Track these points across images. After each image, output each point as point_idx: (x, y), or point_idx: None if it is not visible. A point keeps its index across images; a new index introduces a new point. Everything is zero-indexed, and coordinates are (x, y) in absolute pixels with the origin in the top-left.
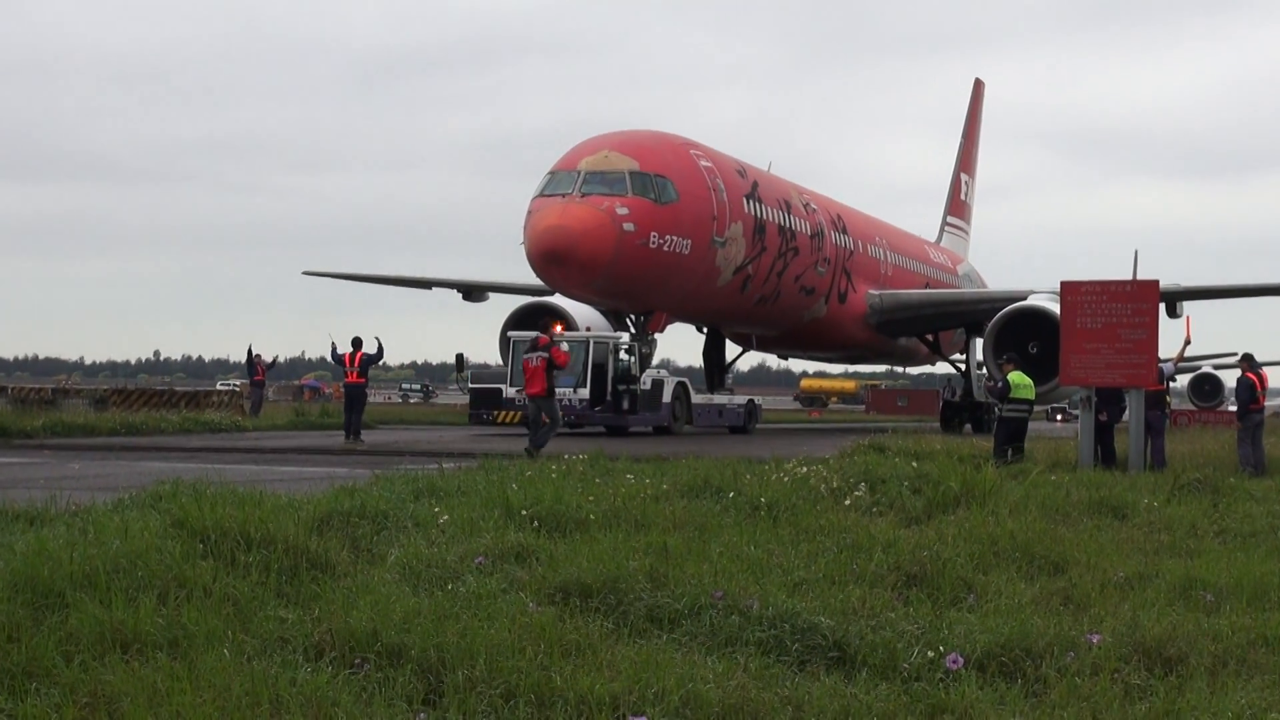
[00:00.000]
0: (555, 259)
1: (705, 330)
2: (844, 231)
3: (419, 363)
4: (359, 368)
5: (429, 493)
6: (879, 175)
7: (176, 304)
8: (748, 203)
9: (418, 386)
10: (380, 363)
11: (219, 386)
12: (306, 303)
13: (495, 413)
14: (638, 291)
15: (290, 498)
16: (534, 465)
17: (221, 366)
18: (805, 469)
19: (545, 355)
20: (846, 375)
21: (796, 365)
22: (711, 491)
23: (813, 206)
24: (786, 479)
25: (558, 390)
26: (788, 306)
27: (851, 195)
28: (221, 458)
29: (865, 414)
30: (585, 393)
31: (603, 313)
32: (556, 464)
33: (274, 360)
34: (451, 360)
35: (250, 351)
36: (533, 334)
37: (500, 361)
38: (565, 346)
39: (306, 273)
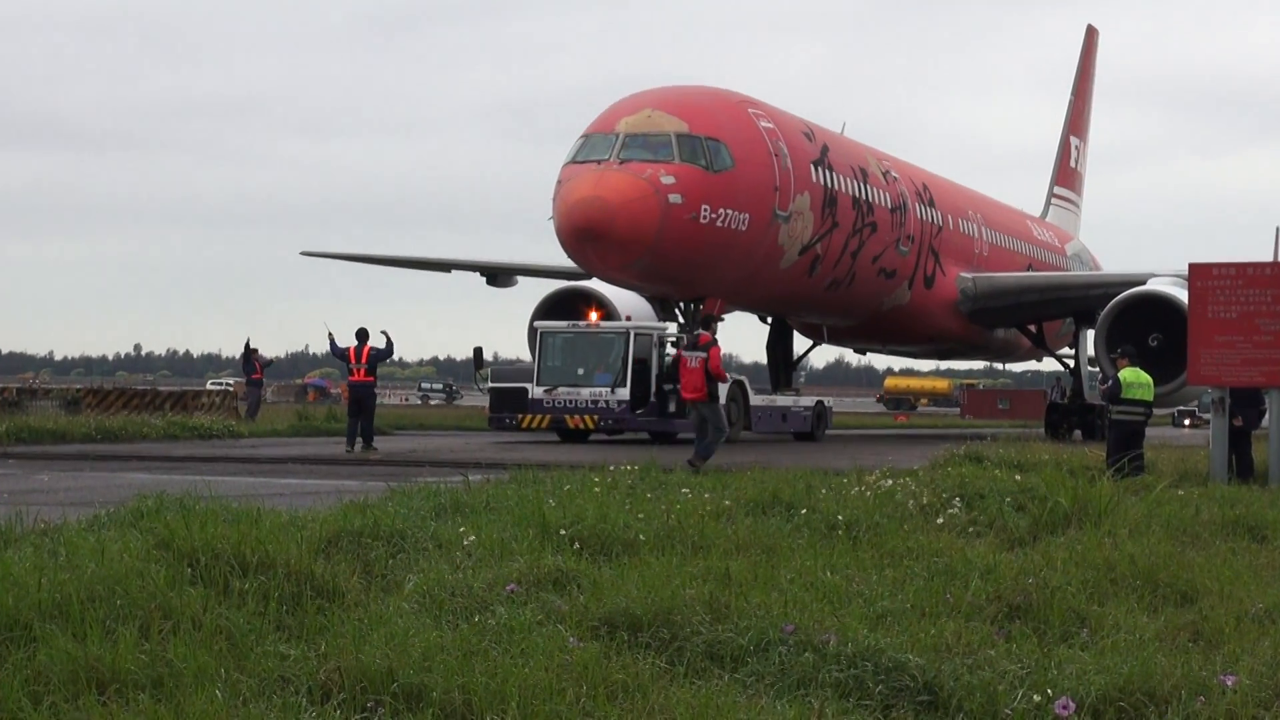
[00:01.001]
0: (589, 236)
1: (769, 321)
2: (931, 204)
3: (441, 359)
4: (367, 364)
5: (452, 509)
6: (973, 140)
7: (160, 291)
8: (816, 170)
9: (439, 386)
10: (389, 359)
11: (209, 386)
12: (310, 289)
13: (520, 417)
14: (686, 274)
15: (292, 515)
16: (575, 478)
17: (212, 362)
18: (890, 482)
19: (705, 355)
20: (938, 374)
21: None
22: (781, 508)
23: (893, 175)
24: (868, 494)
25: (592, 390)
26: (864, 292)
27: (940, 164)
28: (213, 468)
29: (960, 418)
30: (625, 393)
31: (648, 299)
32: (600, 476)
33: (271, 360)
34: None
35: (248, 346)
36: (562, 324)
37: (536, 357)
38: (690, 360)
39: (305, 253)
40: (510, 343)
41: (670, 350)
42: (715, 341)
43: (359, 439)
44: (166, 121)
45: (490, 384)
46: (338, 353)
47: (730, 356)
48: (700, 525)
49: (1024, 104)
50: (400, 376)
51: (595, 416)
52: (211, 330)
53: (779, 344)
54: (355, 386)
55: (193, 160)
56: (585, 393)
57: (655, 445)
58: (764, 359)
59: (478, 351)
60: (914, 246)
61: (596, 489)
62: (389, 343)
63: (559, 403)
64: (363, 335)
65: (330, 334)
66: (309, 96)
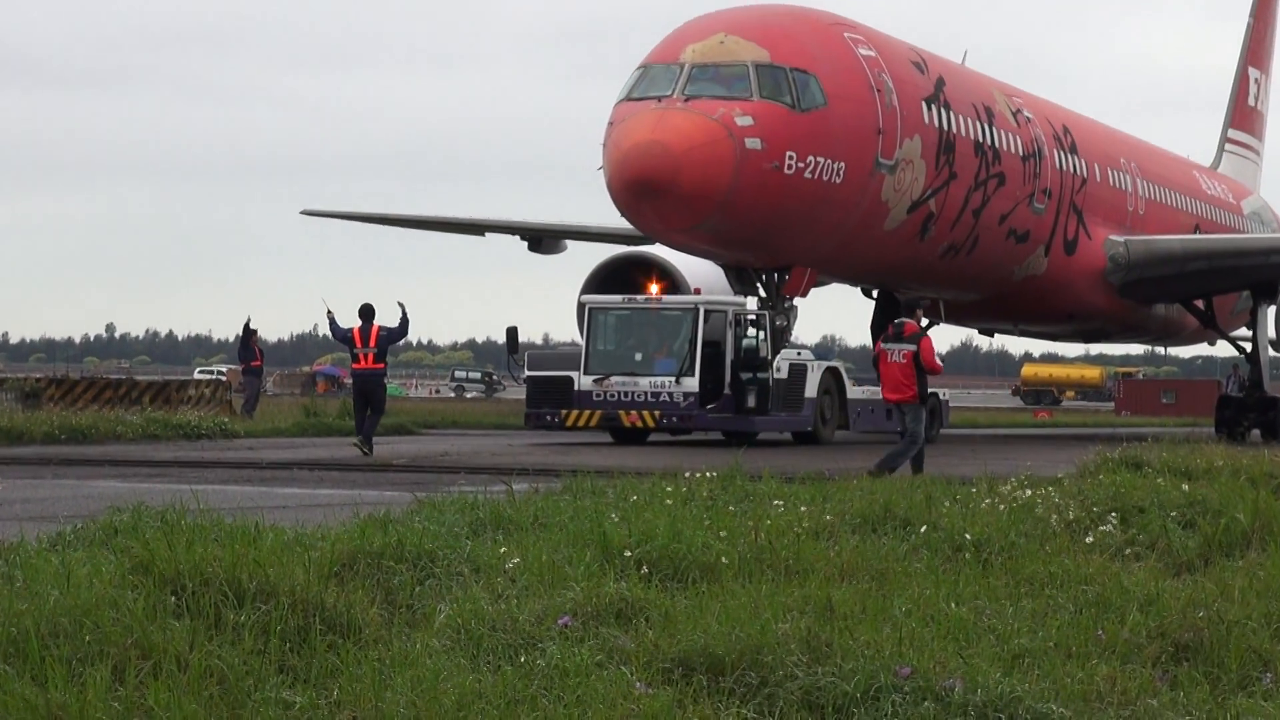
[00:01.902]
0: (646, 190)
1: (874, 295)
2: (1073, 151)
3: (479, 342)
4: (376, 348)
5: (493, 525)
6: (1127, 74)
7: (136, 259)
8: (929, 109)
9: (476, 375)
10: (403, 340)
11: (198, 374)
12: (314, 256)
13: (563, 413)
14: (767, 238)
15: (299, 532)
16: (643, 487)
17: (200, 346)
18: (1029, 492)
19: (913, 348)
20: (1088, 360)
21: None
22: (894, 524)
23: (1027, 115)
24: (1002, 507)
25: (653, 380)
26: (989, 259)
27: (1085, 102)
28: (202, 475)
29: (1115, 414)
30: (693, 384)
31: (724, 268)
32: (672, 485)
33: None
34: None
35: (247, 327)
36: (615, 299)
37: (584, 337)
38: (891, 353)
39: (307, 212)
40: (559, 322)
41: (750, 332)
42: (924, 331)
43: (361, 438)
44: (139, 53)
45: (527, 372)
46: (340, 335)
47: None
48: (796, 545)
49: (1191, 28)
50: (430, 363)
51: (656, 412)
52: (199, 307)
53: (887, 321)
54: (361, 376)
55: (176, 99)
56: (644, 383)
57: (730, 447)
58: (869, 342)
59: (512, 333)
60: (1052, 203)
61: (669, 501)
62: (404, 319)
63: (612, 395)
64: (368, 313)
65: (330, 312)
66: (311, 21)
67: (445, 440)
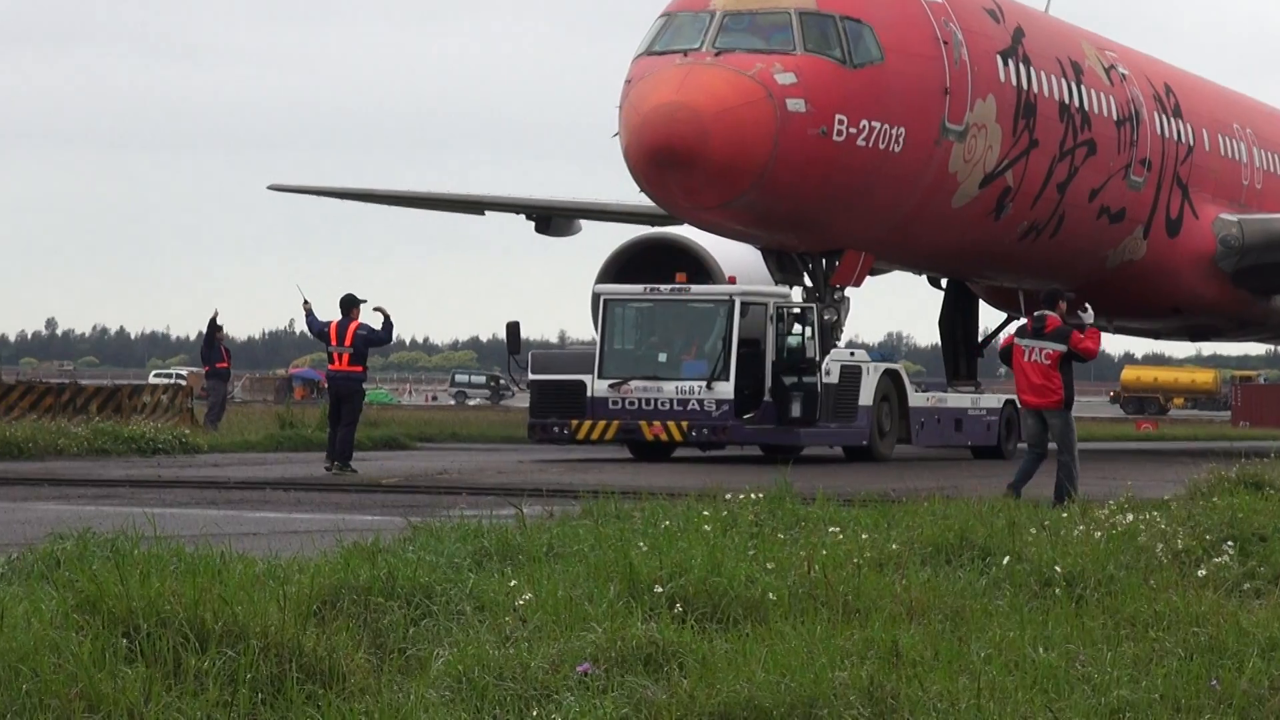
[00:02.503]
0: (670, 160)
1: (944, 285)
2: (1176, 114)
3: (484, 340)
4: (353, 347)
5: (500, 556)
6: (1241, 24)
7: (80, 245)
8: (1005, 65)
9: (481, 379)
10: (385, 343)
11: (153, 379)
12: (291, 241)
13: (573, 424)
14: (813, 216)
15: (272, 564)
16: (676, 511)
17: (156, 345)
18: (1129, 517)
19: (1060, 347)
20: (1199, 361)
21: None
22: (971, 554)
23: (1122, 71)
24: (1098, 534)
25: (680, 385)
26: (1078, 242)
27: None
28: (159, 497)
29: (1231, 425)
30: (726, 389)
31: (762, 252)
32: (711, 508)
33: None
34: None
35: (213, 322)
36: (635, 289)
37: (598, 335)
38: (1028, 351)
39: (275, 188)
40: (574, 316)
41: (798, 329)
42: (1073, 325)
43: (337, 454)
44: (78, 1)
45: (531, 375)
46: (315, 330)
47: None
48: (856, 579)
49: None
50: (426, 365)
51: (684, 423)
52: (154, 299)
53: (957, 318)
54: (334, 379)
55: (119, 57)
56: (669, 389)
57: (772, 464)
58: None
59: (512, 329)
60: (1151, 175)
61: (706, 527)
62: (387, 324)
63: (631, 403)
64: (348, 305)
65: (306, 303)
66: None
67: (444, 456)
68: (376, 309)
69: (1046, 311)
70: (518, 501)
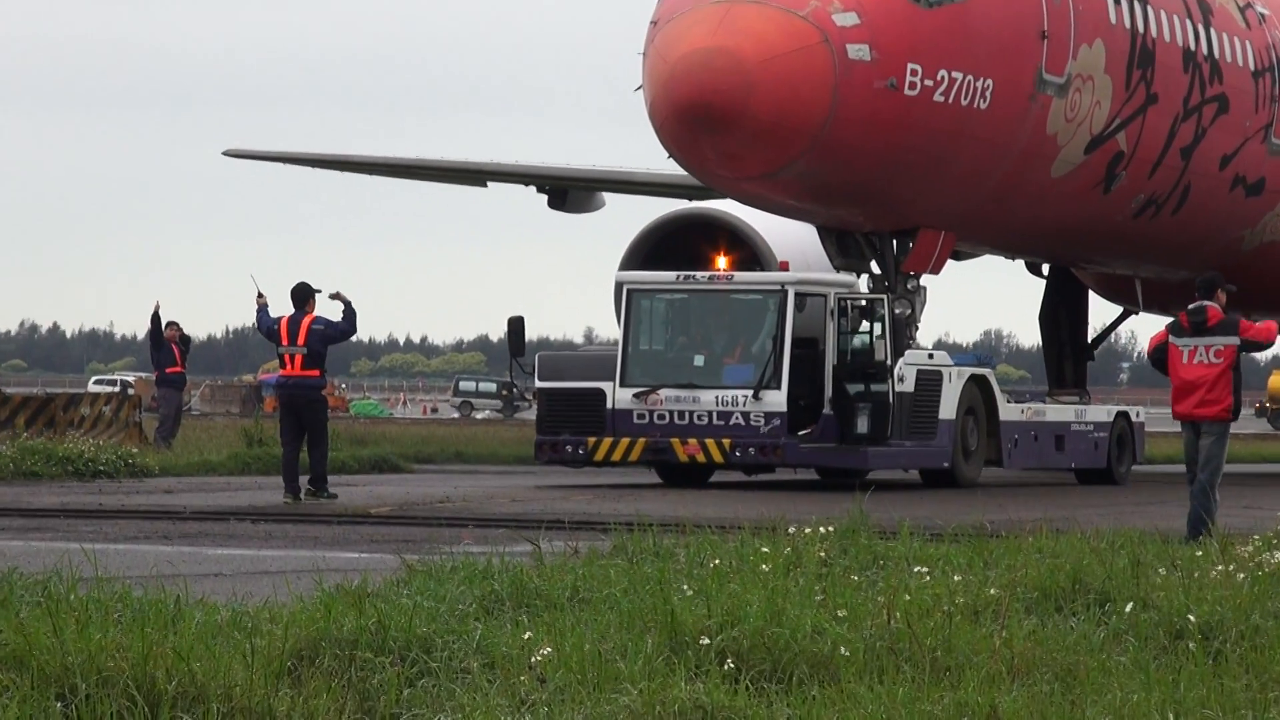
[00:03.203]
0: (705, 119)
1: (1045, 272)
2: None
3: (494, 340)
4: (307, 346)
5: (514, 601)
6: None
7: (4, 224)
8: (1116, 3)
9: (491, 386)
10: (344, 338)
11: (94, 386)
12: (257, 220)
13: (589, 442)
14: (881, 187)
15: (237, 611)
16: (727, 547)
17: (97, 345)
18: (1277, 556)
19: (1232, 341)
20: None
21: None
22: (1087, 600)
23: (1260, 11)
24: (1240, 576)
25: (721, 394)
26: (1207, 219)
27: None
28: (100, 529)
29: None
30: (778, 399)
31: (820, 232)
32: (770, 544)
33: (188, 340)
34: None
35: (158, 315)
36: (666, 276)
37: (621, 333)
38: (1187, 350)
39: (231, 153)
40: (598, 311)
41: (864, 326)
42: (1238, 317)
43: (307, 479)
44: None
45: (538, 383)
46: (265, 328)
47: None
48: (946, 630)
49: None
50: (425, 369)
51: (725, 441)
52: (94, 291)
53: (1061, 312)
54: (288, 387)
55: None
56: (708, 399)
57: (835, 491)
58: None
59: (515, 326)
60: None
61: (765, 566)
62: (349, 313)
63: (661, 417)
64: (301, 296)
65: (260, 296)
66: None
67: (445, 480)
68: (334, 296)
69: (1205, 302)
70: (535, 536)
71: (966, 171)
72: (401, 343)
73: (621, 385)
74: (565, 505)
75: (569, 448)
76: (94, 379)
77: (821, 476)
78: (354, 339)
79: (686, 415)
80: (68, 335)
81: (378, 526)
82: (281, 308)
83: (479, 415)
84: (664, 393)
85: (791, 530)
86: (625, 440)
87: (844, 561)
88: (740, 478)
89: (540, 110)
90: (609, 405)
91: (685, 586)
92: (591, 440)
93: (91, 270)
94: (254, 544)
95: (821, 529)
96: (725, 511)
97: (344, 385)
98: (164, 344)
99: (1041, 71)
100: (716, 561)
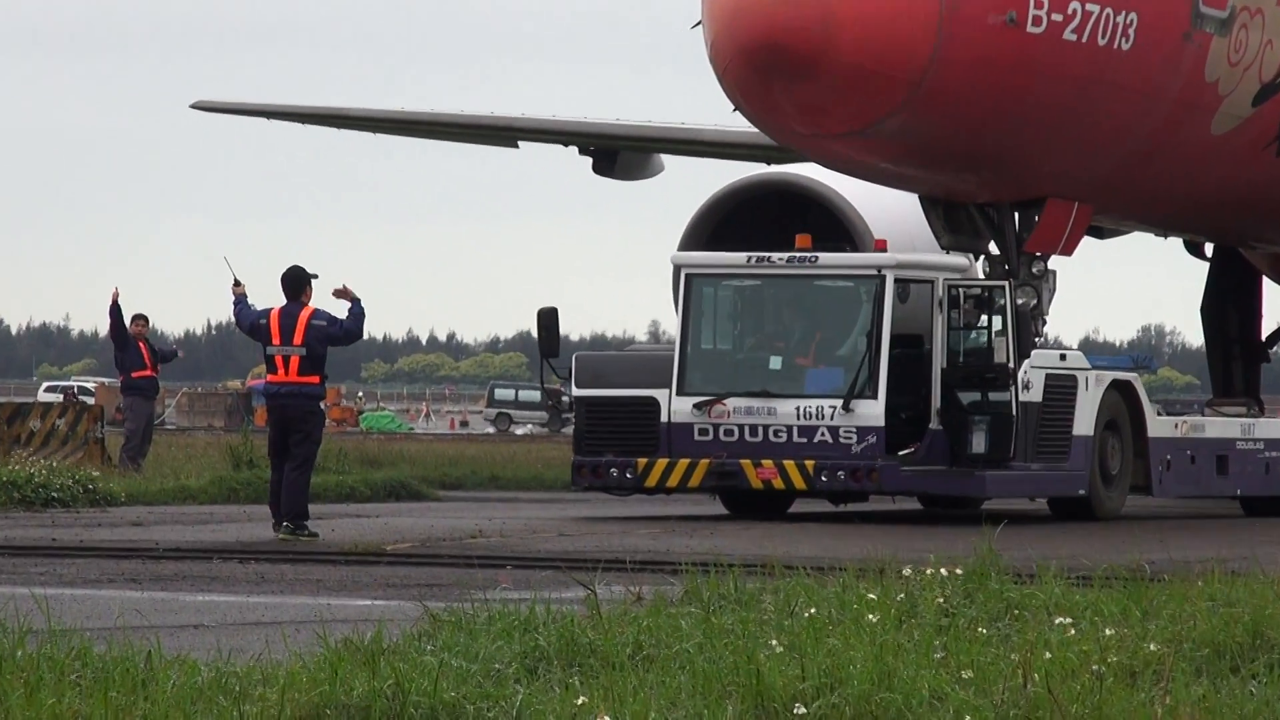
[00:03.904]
0: (777, 63)
1: (1209, 254)
2: None
3: (535, 335)
4: (306, 345)
5: (563, 659)
6: None
7: None
8: None
9: (535, 395)
10: (356, 339)
11: (44, 394)
12: (242, 191)
13: (639, 463)
14: (998, 147)
15: (224, 671)
16: (825, 592)
17: (49, 344)
18: None
19: None
20: None
21: None
22: (1270, 659)
23: None
24: None
25: (802, 404)
26: None
27: None
28: (55, 570)
29: None
30: (874, 411)
31: (923, 203)
32: (876, 588)
33: (174, 349)
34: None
35: (117, 306)
36: (734, 259)
37: (678, 329)
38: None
39: (200, 106)
40: (657, 302)
41: (981, 320)
42: None
43: (284, 509)
44: None
45: (576, 390)
46: (247, 323)
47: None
48: (1096, 696)
49: None
50: (452, 373)
51: (809, 462)
52: (45, 278)
53: (1227, 303)
54: (280, 396)
55: None
56: (786, 410)
57: (951, 524)
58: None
59: (547, 319)
60: None
61: (871, 616)
62: (356, 313)
63: (729, 432)
64: (294, 284)
65: (237, 284)
66: None
67: (478, 510)
68: (340, 294)
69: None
70: (589, 578)
71: (1105, 127)
72: (424, 341)
73: (679, 393)
74: (625, 541)
75: (614, 471)
76: (45, 385)
77: (925, 506)
78: (365, 336)
79: (759, 431)
80: (12, 331)
81: (394, 567)
82: (266, 298)
83: (519, 430)
84: (731, 403)
85: (905, 572)
86: (683, 462)
87: (970, 611)
88: (823, 507)
89: (581, 54)
90: (663, 418)
91: (774, 641)
92: (642, 462)
93: (40, 252)
94: (243, 589)
95: (942, 570)
96: (821, 549)
97: (360, 394)
98: (130, 342)
99: (1198, 4)
100: (812, 610)
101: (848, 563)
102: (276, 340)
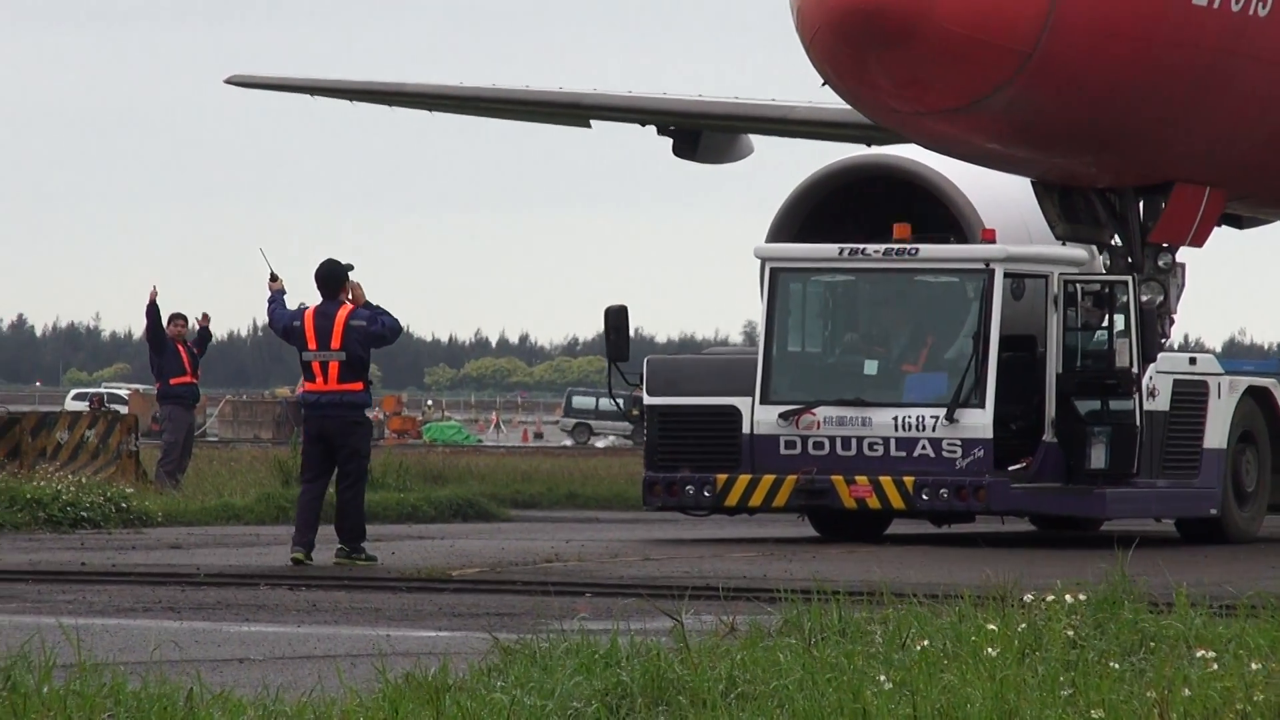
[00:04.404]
0: (870, 32)
1: None
2: None
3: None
4: (345, 348)
5: (648, 696)
6: None
7: None
8: None
9: (620, 401)
10: (397, 337)
11: (72, 402)
12: (281, 175)
13: (719, 479)
14: (1120, 125)
15: (271, 709)
16: (939, 622)
17: (78, 346)
18: None
19: None
20: None
21: None
22: None
23: None
24: None
25: (901, 413)
26: None
27: None
28: (84, 598)
29: None
30: (982, 421)
31: (1036, 187)
32: (994, 617)
33: (209, 334)
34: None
35: (155, 306)
36: (824, 251)
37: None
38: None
39: (235, 81)
40: (747, 297)
41: (1101, 320)
42: None
43: (342, 533)
44: None
45: (648, 398)
46: (282, 325)
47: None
48: None
49: None
50: (526, 381)
51: (908, 479)
52: (70, 273)
53: None
54: (320, 407)
55: None
56: (883, 420)
57: (1067, 547)
58: None
59: (616, 318)
60: None
61: (990, 650)
62: (378, 321)
63: (818, 444)
64: (331, 279)
65: (274, 278)
66: None
67: (554, 531)
68: (359, 298)
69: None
70: (676, 607)
71: (1239, 104)
72: (493, 343)
73: (762, 402)
74: (716, 566)
75: (690, 489)
76: (73, 392)
77: (1037, 526)
78: (429, 338)
79: (853, 443)
80: (37, 333)
81: (461, 594)
82: (302, 295)
83: (599, 443)
84: (821, 412)
85: (1027, 600)
86: (768, 478)
87: (1100, 643)
88: (923, 528)
89: (660, 26)
90: (745, 430)
91: (882, 677)
92: (721, 478)
93: (68, 245)
94: (293, 618)
95: (1068, 598)
96: (934, 574)
97: (429, 402)
98: (168, 345)
99: None
100: (925, 643)
101: (964, 589)
102: (312, 345)
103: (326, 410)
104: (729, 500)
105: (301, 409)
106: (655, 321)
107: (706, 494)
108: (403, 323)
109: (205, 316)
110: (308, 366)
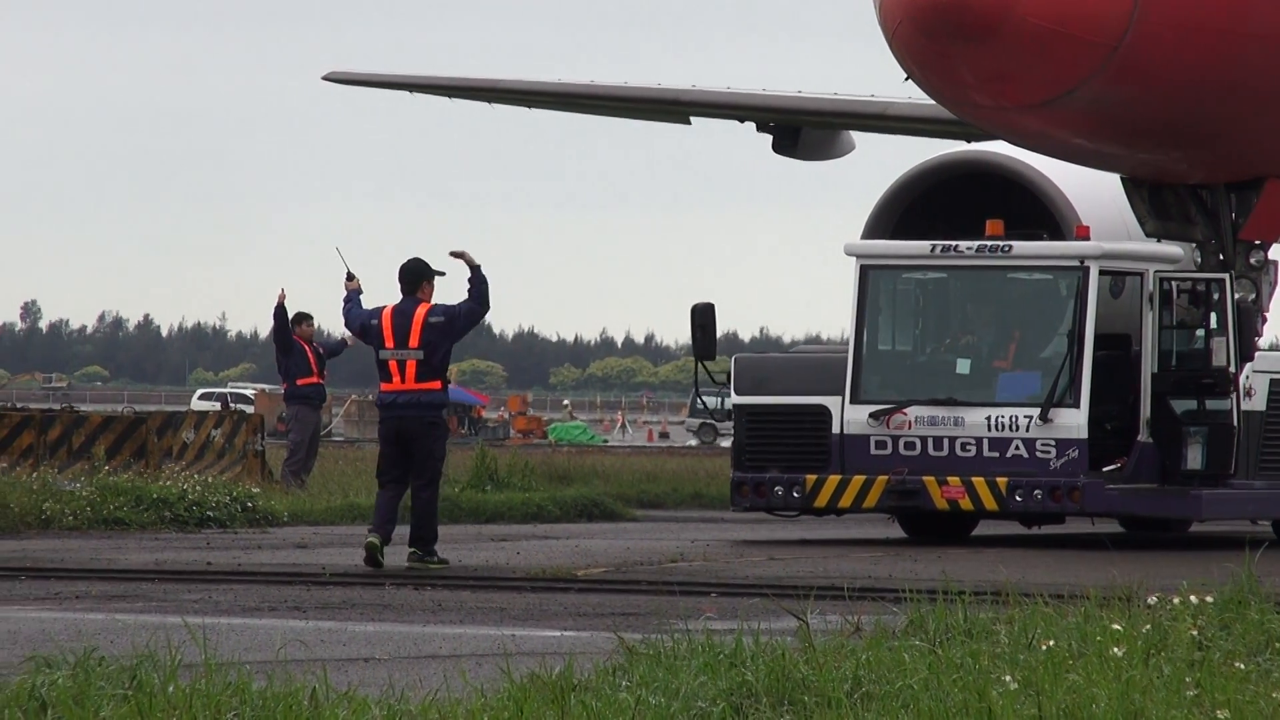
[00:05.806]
0: (953, 24)
1: None
2: None
3: (742, 337)
4: (423, 348)
5: (772, 696)
6: None
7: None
8: None
9: (713, 398)
10: (479, 319)
11: (198, 403)
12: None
13: (808, 479)
14: (1210, 120)
15: (396, 709)
16: (1064, 623)
17: (204, 346)
18: None
19: None
20: None
21: None
22: None
23: None
24: None
25: (995, 413)
26: None
27: None
28: (210, 598)
29: None
30: (1075, 420)
31: (1125, 184)
32: (1123, 619)
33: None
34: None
35: (282, 308)
36: (915, 248)
37: (852, 328)
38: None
39: (330, 77)
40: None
41: (1195, 319)
42: None
43: (407, 538)
44: None
45: (735, 397)
46: (357, 324)
47: None
48: None
49: None
50: (650, 381)
51: (1000, 480)
52: (199, 272)
53: None
54: (397, 407)
55: None
56: (975, 420)
57: (1149, 551)
58: None
59: (702, 316)
60: None
61: (1116, 650)
62: (477, 283)
63: (910, 445)
64: (413, 278)
65: (351, 277)
66: None
67: (678, 531)
68: (456, 254)
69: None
70: (801, 607)
71: None
72: (619, 343)
73: (853, 401)
74: (841, 565)
75: (778, 489)
76: (199, 393)
77: (1128, 529)
78: (554, 338)
79: (945, 444)
80: (163, 334)
81: (586, 594)
82: (382, 294)
83: (726, 443)
84: (913, 412)
85: (1151, 601)
86: (858, 479)
87: (1226, 643)
88: (1013, 530)
89: (758, 18)
90: (835, 429)
91: (1008, 677)
92: (810, 479)
93: (191, 246)
94: (418, 618)
95: (1193, 598)
96: (1060, 575)
97: (566, 403)
98: (294, 346)
99: None
100: (1050, 643)
101: (1089, 589)
102: (390, 343)
103: (404, 410)
104: (818, 501)
105: (378, 408)
106: (774, 321)
107: (795, 495)
108: (489, 302)
109: (349, 342)
110: (384, 365)
